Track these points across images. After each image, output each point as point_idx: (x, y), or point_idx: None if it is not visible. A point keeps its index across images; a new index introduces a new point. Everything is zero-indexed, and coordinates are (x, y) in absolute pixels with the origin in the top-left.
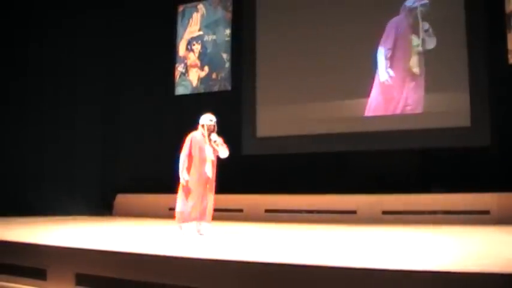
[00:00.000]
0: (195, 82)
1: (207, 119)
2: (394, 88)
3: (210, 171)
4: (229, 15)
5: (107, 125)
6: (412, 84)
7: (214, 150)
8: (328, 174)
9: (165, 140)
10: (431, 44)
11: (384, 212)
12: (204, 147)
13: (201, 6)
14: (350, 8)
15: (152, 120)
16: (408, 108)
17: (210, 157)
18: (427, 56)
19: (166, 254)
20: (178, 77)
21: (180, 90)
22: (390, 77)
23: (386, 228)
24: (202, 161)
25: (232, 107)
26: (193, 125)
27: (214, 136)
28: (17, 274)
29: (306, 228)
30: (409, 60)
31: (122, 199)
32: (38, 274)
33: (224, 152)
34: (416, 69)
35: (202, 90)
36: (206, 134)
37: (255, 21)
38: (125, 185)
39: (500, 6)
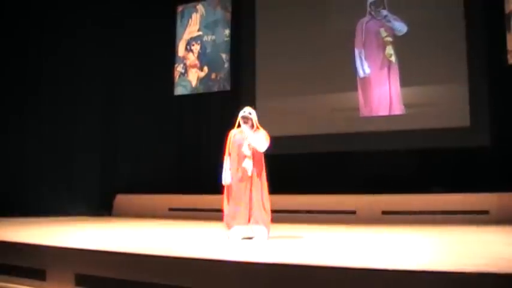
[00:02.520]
0: (194, 82)
1: (241, 111)
2: (378, 82)
3: (248, 167)
4: (228, 16)
5: (107, 125)
6: (394, 74)
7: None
8: (328, 174)
9: (165, 140)
10: (398, 28)
11: (384, 212)
12: (243, 143)
13: (200, 7)
14: (350, 7)
15: (152, 120)
16: (394, 98)
17: (246, 152)
18: (426, 55)
19: (166, 254)
20: (177, 77)
21: (179, 90)
22: (366, 73)
23: (386, 228)
24: (241, 158)
25: (231, 107)
26: (193, 125)
27: (244, 127)
28: (16, 274)
29: (306, 228)
30: (383, 51)
31: (122, 199)
32: (38, 274)
33: (258, 145)
34: (392, 58)
35: (201, 91)
36: (243, 127)
37: (255, 21)
38: (125, 185)
39: (500, 6)
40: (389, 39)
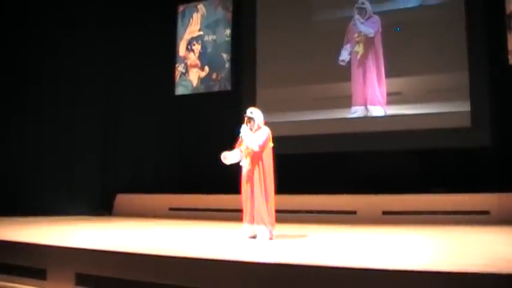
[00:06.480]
0: (195, 82)
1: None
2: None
3: (244, 165)
4: (229, 15)
5: (107, 124)
6: (370, 70)
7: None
8: (328, 174)
9: (165, 140)
10: (363, 30)
11: (384, 212)
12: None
13: (201, 6)
14: (350, 7)
15: (152, 120)
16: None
17: (243, 152)
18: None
19: (167, 254)
20: (178, 77)
21: (180, 90)
22: (342, 60)
23: (386, 228)
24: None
25: (232, 107)
26: (193, 125)
27: (243, 127)
28: (17, 274)
29: (307, 228)
30: (356, 48)
31: (122, 199)
32: (38, 274)
33: (250, 144)
34: (358, 55)
35: (202, 90)
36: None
37: (255, 21)
38: (125, 185)
39: (500, 6)
40: (357, 39)
